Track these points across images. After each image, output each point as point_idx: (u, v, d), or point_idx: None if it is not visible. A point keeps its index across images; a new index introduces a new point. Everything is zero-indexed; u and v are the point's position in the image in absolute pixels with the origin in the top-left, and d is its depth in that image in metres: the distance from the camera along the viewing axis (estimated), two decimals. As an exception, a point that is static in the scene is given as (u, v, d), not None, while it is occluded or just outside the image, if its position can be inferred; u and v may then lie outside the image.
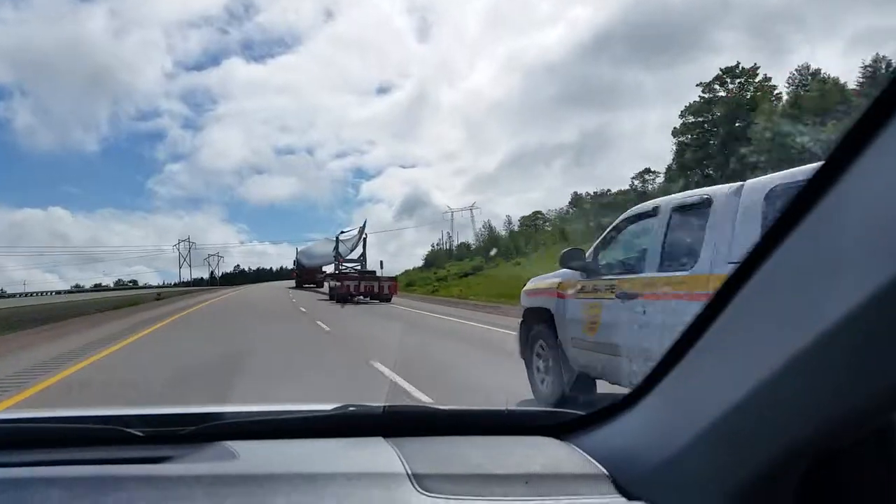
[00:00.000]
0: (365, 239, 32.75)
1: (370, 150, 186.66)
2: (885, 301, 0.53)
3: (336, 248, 32.27)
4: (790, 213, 0.65)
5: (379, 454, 1.06)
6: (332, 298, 27.14)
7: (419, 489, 0.92)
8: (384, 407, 1.22)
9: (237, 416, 1.24)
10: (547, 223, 56.18)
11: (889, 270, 0.53)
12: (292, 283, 48.06)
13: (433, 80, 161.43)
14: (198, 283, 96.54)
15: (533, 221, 57.84)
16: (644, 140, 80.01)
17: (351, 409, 1.23)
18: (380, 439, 1.13)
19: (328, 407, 1.24)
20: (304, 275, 43.15)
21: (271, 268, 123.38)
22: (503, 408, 1.25)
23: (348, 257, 31.89)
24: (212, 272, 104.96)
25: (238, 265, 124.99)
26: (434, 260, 58.07)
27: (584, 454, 1.04)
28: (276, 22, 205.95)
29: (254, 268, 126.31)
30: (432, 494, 0.90)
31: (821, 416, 0.62)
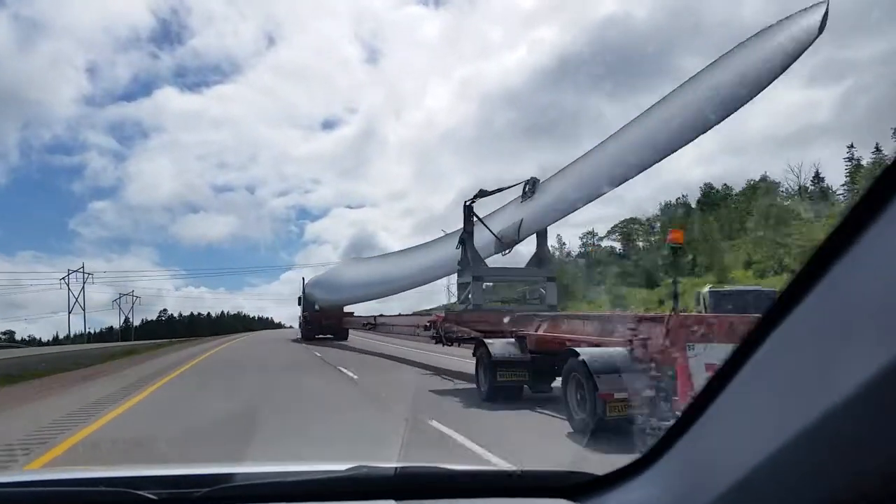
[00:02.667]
0: None
1: (315, 188, 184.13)
2: None
3: None
4: (804, 276, 0.66)
5: None
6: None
7: None
8: (396, 468, 1.25)
9: (249, 478, 1.25)
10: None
11: None
12: (289, 332, 38.19)
13: (382, 112, 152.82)
14: (99, 337, 74.37)
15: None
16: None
17: (364, 469, 1.24)
18: (391, 502, 1.15)
19: (341, 467, 1.25)
20: (320, 318, 26.85)
21: (208, 314, 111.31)
22: (516, 468, 1.27)
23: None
24: (126, 320, 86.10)
25: (165, 310, 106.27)
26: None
27: None
28: (212, 47, 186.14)
29: (187, 313, 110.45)
30: None
31: (841, 481, 0.62)
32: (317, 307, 26.97)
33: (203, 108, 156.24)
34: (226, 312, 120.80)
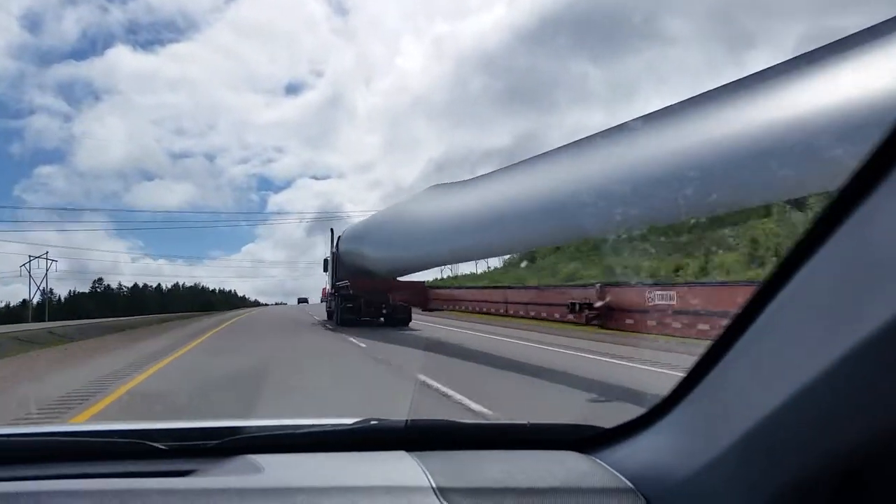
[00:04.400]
0: None
1: (278, 157, 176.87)
2: None
3: None
4: (821, 223, 0.66)
5: (403, 468, 1.09)
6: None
7: (444, 503, 0.95)
8: (407, 421, 1.25)
9: (260, 430, 1.25)
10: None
11: None
12: (289, 312, 31.45)
13: (350, 76, 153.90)
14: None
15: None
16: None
17: (373, 423, 1.25)
18: (403, 453, 1.16)
19: (351, 421, 1.26)
20: (370, 291, 17.29)
21: (158, 285, 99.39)
22: (525, 422, 1.28)
23: None
24: (48, 291, 67.80)
25: (100, 280, 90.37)
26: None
27: (609, 468, 1.05)
28: (167, 2, 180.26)
29: (149, 284, 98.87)
30: None
31: (855, 427, 0.62)
32: (363, 274, 16.27)
33: (157, 67, 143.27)
34: (181, 284, 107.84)
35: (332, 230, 20.62)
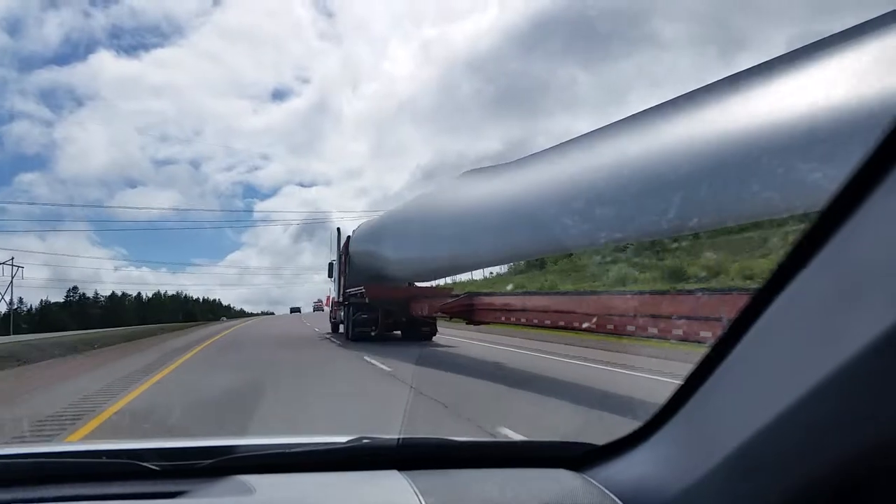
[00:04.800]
0: None
1: (264, 165, 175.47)
2: None
3: None
4: (809, 239, 0.66)
5: (394, 488, 1.10)
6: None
7: None
8: (399, 439, 1.25)
9: (252, 450, 1.25)
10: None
11: None
12: (306, 319, 27.65)
13: (337, 83, 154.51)
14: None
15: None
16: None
17: (365, 441, 1.26)
18: (395, 472, 1.16)
19: (343, 439, 1.27)
20: (388, 300, 14.51)
21: (139, 295, 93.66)
22: (517, 439, 1.37)
23: None
24: (11, 303, 60.77)
25: (74, 289, 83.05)
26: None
27: (600, 486, 1.05)
28: (151, 6, 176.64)
29: (129, 293, 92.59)
30: None
31: (843, 446, 0.62)
32: (379, 279, 13.43)
33: (142, 73, 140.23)
34: (163, 293, 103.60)
35: (338, 229, 17.64)
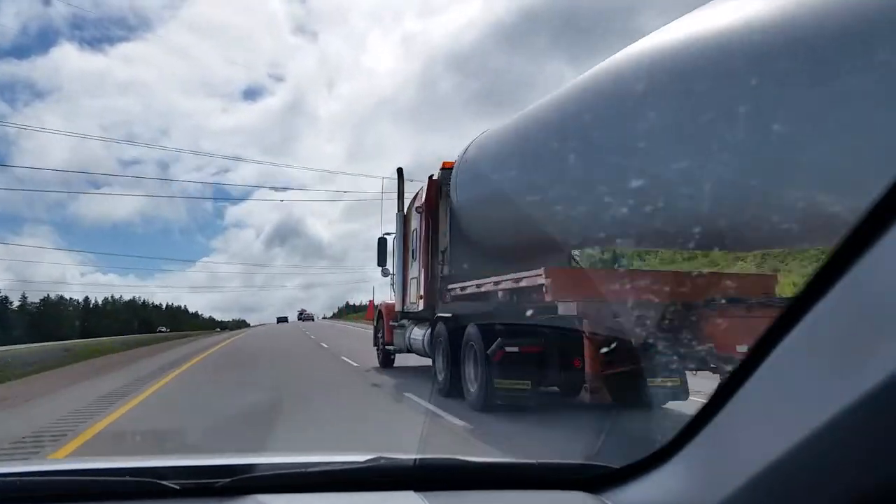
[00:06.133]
0: None
1: (236, 167, 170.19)
2: None
3: None
4: (835, 261, 0.66)
5: None
6: None
7: None
8: (416, 459, 1.27)
9: (271, 469, 1.26)
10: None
11: None
12: (311, 331, 21.07)
13: (312, 81, 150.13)
14: None
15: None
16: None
17: (383, 460, 1.27)
18: (411, 493, 1.18)
19: (361, 458, 1.29)
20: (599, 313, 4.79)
21: (84, 301, 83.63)
22: (534, 461, 1.30)
23: None
24: None
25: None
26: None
27: None
28: None
29: (69, 297, 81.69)
30: None
31: (871, 472, 0.62)
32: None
33: (107, 68, 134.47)
34: (115, 298, 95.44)
35: (399, 171, 9.87)
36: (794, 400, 0.70)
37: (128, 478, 1.21)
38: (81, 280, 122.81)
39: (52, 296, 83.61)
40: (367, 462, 1.26)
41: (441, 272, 8.08)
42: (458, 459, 1.33)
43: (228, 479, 1.17)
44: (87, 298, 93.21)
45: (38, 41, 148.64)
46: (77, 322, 70.66)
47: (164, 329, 58.71)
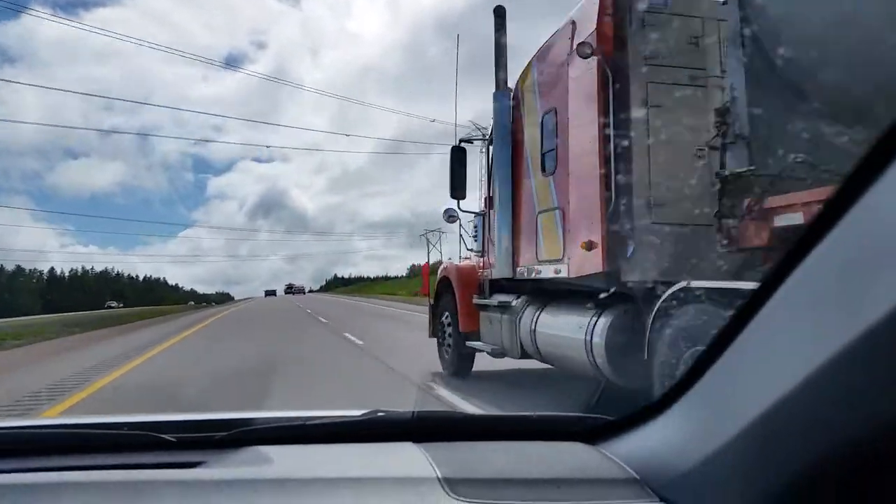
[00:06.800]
0: None
1: (217, 137, 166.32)
2: None
3: None
4: (833, 203, 0.66)
5: (409, 458, 1.12)
6: None
7: (450, 493, 0.97)
8: (413, 412, 1.27)
9: (269, 422, 1.28)
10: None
11: None
12: (310, 306, 17.88)
13: (296, 48, 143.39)
14: None
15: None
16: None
17: (380, 414, 1.28)
18: (409, 444, 1.19)
19: (358, 413, 1.30)
20: None
21: (51, 271, 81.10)
22: (532, 413, 1.31)
23: None
24: None
25: None
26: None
27: (615, 458, 1.06)
28: None
29: (29, 268, 76.49)
30: (463, 499, 0.97)
31: (869, 416, 0.62)
32: None
33: (82, 35, 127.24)
34: (86, 269, 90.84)
35: (500, 11, 6.47)
36: (789, 345, 0.70)
37: (127, 431, 1.21)
38: (61, 251, 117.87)
39: (8, 266, 78.84)
40: (365, 415, 1.28)
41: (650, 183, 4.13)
42: (456, 412, 1.35)
43: (226, 433, 1.17)
44: (52, 269, 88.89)
45: (7, 5, 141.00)
46: (39, 297, 65.99)
47: (114, 304, 50.95)
